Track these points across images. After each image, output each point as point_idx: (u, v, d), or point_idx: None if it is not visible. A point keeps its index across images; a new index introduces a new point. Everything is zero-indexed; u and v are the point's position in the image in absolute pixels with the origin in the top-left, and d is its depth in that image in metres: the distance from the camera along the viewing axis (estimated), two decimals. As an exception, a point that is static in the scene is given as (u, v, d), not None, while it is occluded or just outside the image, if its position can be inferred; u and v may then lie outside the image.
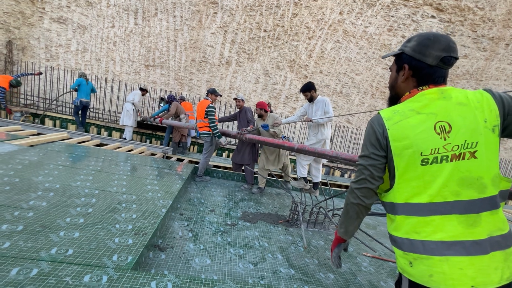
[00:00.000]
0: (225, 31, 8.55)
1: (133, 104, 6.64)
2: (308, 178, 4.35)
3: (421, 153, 0.89)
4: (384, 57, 1.18)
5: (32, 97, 7.90)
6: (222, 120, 4.95)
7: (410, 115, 0.94)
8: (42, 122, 7.07)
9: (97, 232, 1.92)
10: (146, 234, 2.02)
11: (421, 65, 0.98)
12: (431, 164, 0.88)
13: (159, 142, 7.65)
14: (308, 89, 3.91)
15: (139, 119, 6.96)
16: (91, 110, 7.92)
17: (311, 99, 3.97)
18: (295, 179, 4.69)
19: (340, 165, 8.20)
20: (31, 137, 4.50)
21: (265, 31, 8.69)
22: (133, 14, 8.17)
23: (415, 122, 0.92)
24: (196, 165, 4.70)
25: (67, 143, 4.72)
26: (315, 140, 4.02)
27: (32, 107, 7.61)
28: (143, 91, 7.03)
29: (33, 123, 6.74)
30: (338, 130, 9.14)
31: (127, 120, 6.61)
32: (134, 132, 7.64)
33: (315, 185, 4.27)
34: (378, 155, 0.99)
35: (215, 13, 8.41)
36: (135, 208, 2.43)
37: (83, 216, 2.11)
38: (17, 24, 7.72)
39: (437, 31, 8.83)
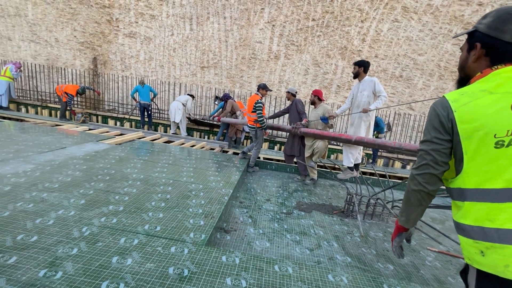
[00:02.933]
0: (273, 25, 8.62)
1: (183, 105, 7.68)
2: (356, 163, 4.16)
3: (495, 135, 0.82)
4: (455, 37, 1.10)
5: (113, 103, 9.38)
6: (276, 116, 5.09)
7: (481, 95, 0.87)
8: (122, 124, 8.38)
9: (175, 214, 2.31)
10: (213, 217, 2.33)
11: (497, 43, 0.91)
12: (507, 146, 0.81)
13: (216, 137, 8.30)
14: (361, 64, 3.80)
15: (188, 116, 8.19)
16: (159, 111, 9.02)
17: (356, 76, 3.87)
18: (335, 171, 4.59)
19: (400, 156, 7.58)
20: (116, 137, 5.42)
21: (313, 20, 8.47)
22: (188, 21, 8.89)
23: (487, 102, 0.85)
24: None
25: (143, 141, 5.54)
26: (359, 123, 3.89)
27: (113, 111, 9.05)
28: (193, 97, 8.24)
29: (116, 124, 8.05)
30: (398, 118, 8.39)
31: (178, 117, 7.61)
32: (194, 129, 8.54)
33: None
34: (442, 139, 0.94)
35: (262, 9, 8.55)
36: (202, 196, 2.80)
37: (164, 201, 2.54)
38: (99, 42, 9.20)
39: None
